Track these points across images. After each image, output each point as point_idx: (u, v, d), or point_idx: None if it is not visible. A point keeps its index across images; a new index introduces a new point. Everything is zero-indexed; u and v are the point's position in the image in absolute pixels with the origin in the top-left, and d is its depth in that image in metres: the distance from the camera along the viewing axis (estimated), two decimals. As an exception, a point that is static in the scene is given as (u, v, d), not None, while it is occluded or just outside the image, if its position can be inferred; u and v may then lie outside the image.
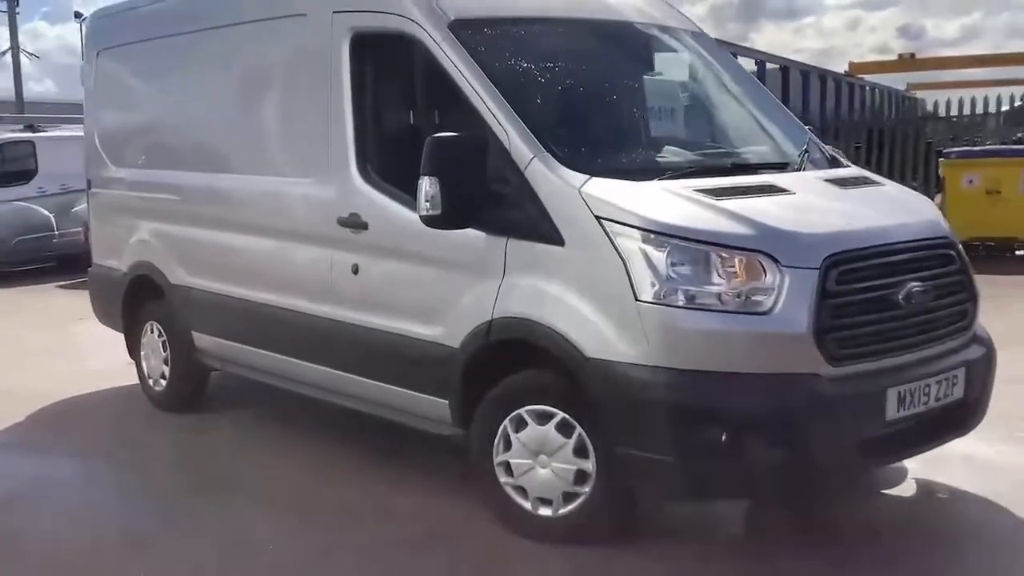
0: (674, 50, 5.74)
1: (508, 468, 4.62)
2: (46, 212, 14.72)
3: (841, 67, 30.90)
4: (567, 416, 4.44)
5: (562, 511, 4.52)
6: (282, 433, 6.30)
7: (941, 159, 12.85)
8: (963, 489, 5.03)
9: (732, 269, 4.10)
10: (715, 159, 5.10)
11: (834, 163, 5.33)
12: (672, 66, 5.82)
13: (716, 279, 4.10)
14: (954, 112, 16.82)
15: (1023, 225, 11.89)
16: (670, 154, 5.06)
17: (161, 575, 4.45)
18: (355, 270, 5.26)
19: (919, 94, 36.67)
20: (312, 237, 5.50)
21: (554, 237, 4.37)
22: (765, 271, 4.08)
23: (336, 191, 5.34)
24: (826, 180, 4.91)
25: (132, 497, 5.33)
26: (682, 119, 5.80)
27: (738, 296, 4.08)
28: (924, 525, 4.80)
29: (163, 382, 6.92)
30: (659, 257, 4.11)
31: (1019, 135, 14.30)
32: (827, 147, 5.50)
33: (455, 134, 4.51)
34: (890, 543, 4.53)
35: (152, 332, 6.98)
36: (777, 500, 4.19)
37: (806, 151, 5.24)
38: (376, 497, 5.16)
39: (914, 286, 4.28)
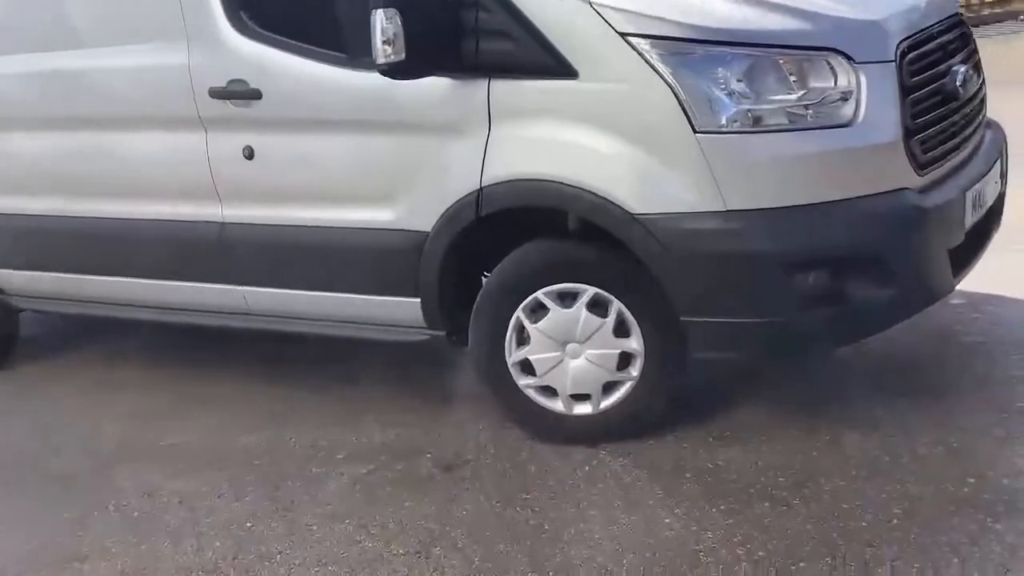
0: None
1: (527, 367, 3.73)
2: None
3: None
4: (600, 291, 3.57)
5: (604, 404, 3.70)
6: (135, 379, 4.97)
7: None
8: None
9: (800, 76, 3.31)
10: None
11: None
12: None
13: (784, 91, 3.30)
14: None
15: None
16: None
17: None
18: (249, 154, 4.04)
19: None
20: (171, 121, 4.18)
21: (561, 69, 3.39)
22: (837, 73, 3.32)
23: (201, 55, 4.04)
24: None
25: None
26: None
27: (808, 107, 3.30)
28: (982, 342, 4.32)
29: (-44, 338, 5.35)
30: (715, 72, 3.26)
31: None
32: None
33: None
34: (943, 366, 4.09)
35: (-73, 278, 5.33)
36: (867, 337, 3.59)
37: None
38: (334, 437, 4.09)
39: (962, 70, 3.67)
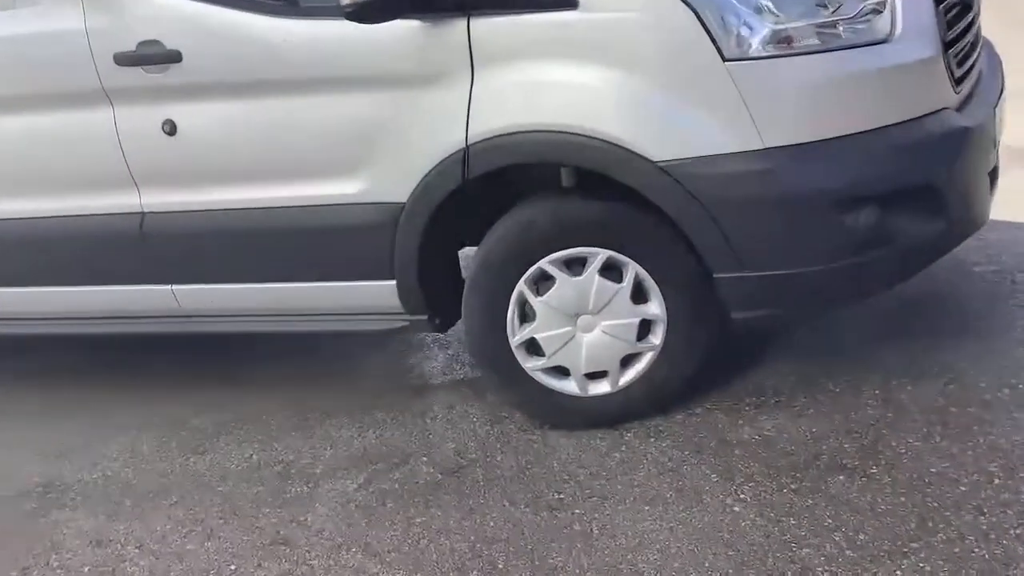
0: None
1: (533, 346, 3.26)
2: None
3: None
4: (613, 254, 3.12)
5: (623, 380, 3.27)
6: (36, 406, 4.28)
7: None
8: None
9: (828, -12, 2.90)
10: None
11: None
12: None
13: (815, 6, 2.89)
14: None
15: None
16: None
17: None
18: (170, 130, 3.42)
19: None
20: (69, 97, 3.51)
21: (554, -2, 2.90)
22: (866, -18, 2.93)
23: (100, 14, 3.38)
24: None
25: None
26: None
27: (838, 24, 2.90)
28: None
29: None
30: (741, -11, 2.82)
31: None
32: None
33: None
34: (966, 300, 3.80)
35: None
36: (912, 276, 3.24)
37: None
38: (301, 448, 3.57)
39: (969, -25, 3.35)
